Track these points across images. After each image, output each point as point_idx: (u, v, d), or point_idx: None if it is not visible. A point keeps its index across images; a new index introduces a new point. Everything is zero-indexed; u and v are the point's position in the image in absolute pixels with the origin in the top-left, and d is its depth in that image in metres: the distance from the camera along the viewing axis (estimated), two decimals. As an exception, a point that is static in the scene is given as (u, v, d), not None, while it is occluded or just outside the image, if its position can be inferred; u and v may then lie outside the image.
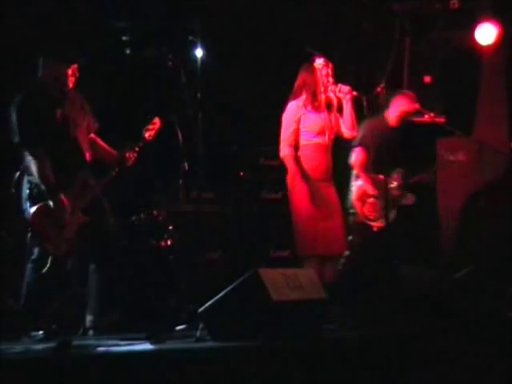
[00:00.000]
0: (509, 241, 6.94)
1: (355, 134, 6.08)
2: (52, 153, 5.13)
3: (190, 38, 6.14)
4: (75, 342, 4.37)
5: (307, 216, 5.75)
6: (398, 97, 6.54)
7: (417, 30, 8.08)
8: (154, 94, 6.93)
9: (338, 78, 5.93)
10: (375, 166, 6.33)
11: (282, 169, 5.98)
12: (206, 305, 4.65)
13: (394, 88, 6.98)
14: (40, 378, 3.73)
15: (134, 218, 5.93)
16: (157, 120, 5.57)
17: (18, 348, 4.45)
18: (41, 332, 5.10)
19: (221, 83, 7.18)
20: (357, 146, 6.35)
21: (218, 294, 4.62)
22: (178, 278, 5.92)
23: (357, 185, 6.40)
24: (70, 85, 5.26)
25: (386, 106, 6.52)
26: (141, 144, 5.49)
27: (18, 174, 5.37)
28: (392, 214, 6.29)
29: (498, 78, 7.95)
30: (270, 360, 4.16)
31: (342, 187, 6.27)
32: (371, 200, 6.34)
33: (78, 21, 6.62)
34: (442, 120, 7.01)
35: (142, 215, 5.93)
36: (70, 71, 5.21)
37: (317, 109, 5.88)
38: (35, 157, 5.09)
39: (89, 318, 5.32)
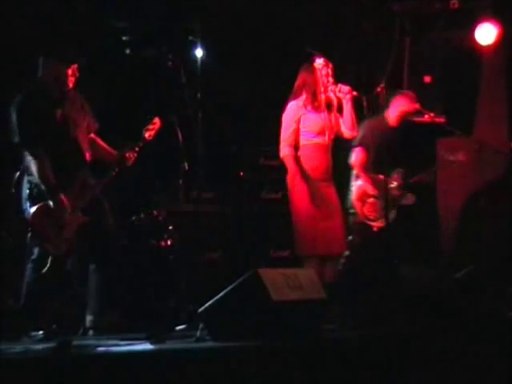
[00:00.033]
0: (509, 241, 6.95)
1: (355, 134, 6.08)
2: (52, 153, 5.13)
3: (190, 38, 6.15)
4: (75, 342, 4.36)
5: (307, 216, 5.75)
6: (398, 97, 6.54)
7: (417, 29, 8.08)
8: (153, 94, 6.93)
9: (338, 78, 5.92)
10: (375, 166, 6.33)
11: (282, 169, 5.98)
12: (206, 305, 4.65)
13: (394, 88, 6.98)
14: (40, 378, 3.72)
15: (133, 217, 5.93)
16: (157, 120, 5.57)
17: (17, 348, 4.44)
18: (41, 332, 5.10)
19: (221, 83, 7.18)
20: (357, 146, 6.36)
21: (218, 294, 4.62)
22: (178, 278, 5.92)
23: (357, 185, 6.40)
24: (70, 85, 5.26)
25: (385, 105, 6.52)
26: (141, 144, 5.49)
27: (18, 173, 5.37)
28: (392, 214, 6.29)
29: (498, 77, 7.95)
30: (269, 360, 4.16)
31: (342, 187, 6.27)
32: (371, 200, 6.34)
33: (77, 21, 6.62)
34: (441, 120, 7.01)
35: (142, 215, 5.93)
36: (70, 71, 5.21)
37: (317, 109, 5.88)
38: (35, 157, 5.09)
39: (89, 318, 5.31)
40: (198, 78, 6.02)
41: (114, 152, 5.48)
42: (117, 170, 5.38)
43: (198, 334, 4.64)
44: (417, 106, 6.47)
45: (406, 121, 6.55)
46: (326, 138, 5.89)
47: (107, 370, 3.86)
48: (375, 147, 6.34)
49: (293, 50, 7.05)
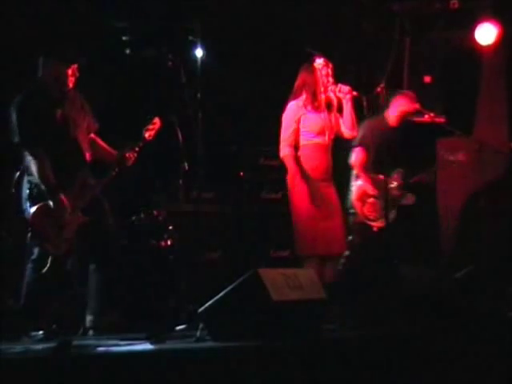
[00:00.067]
0: (509, 241, 6.95)
1: (355, 134, 6.08)
2: (52, 153, 5.13)
3: (190, 38, 6.15)
4: (75, 342, 4.36)
5: (307, 216, 5.75)
6: (398, 97, 6.54)
7: (417, 30, 8.08)
8: (154, 94, 6.93)
9: (338, 78, 5.93)
10: (375, 166, 6.33)
11: (282, 169, 5.98)
12: (206, 305, 4.65)
13: (394, 88, 6.98)
14: (40, 378, 3.72)
15: (134, 217, 5.93)
16: (157, 120, 5.57)
17: (17, 348, 4.44)
18: (41, 332, 5.10)
19: (221, 83, 7.18)
20: (357, 146, 6.36)
21: (218, 294, 4.62)
22: (178, 278, 5.92)
23: (357, 185, 6.40)
24: (70, 85, 5.26)
25: (386, 105, 6.52)
26: (141, 144, 5.49)
27: (18, 173, 5.37)
28: (392, 214, 6.29)
29: (498, 77, 7.95)
30: (269, 360, 4.16)
31: (342, 187, 6.27)
32: (371, 200, 6.34)
33: (77, 21, 6.62)
34: (442, 120, 7.01)
35: (142, 215, 5.93)
36: (70, 71, 5.21)
37: (317, 109, 5.88)
38: (35, 157, 5.09)
39: (89, 318, 5.31)
40: (198, 77, 6.01)
41: (113, 152, 5.48)
42: (117, 169, 5.38)
43: (198, 334, 4.64)
44: (417, 106, 6.47)
45: (406, 121, 6.55)
46: (326, 137, 5.89)
47: (107, 369, 3.86)
48: (375, 147, 6.34)
49: (293, 49, 7.05)
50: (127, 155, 5.41)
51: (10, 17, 6.28)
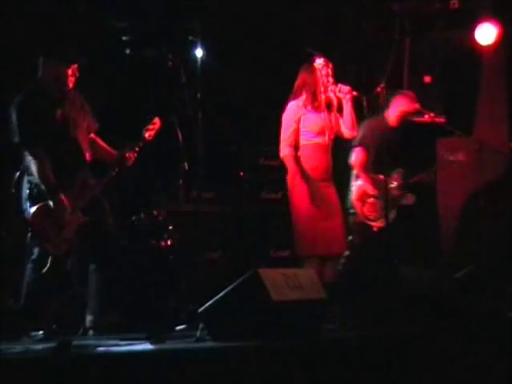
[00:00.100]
0: (509, 241, 6.95)
1: (355, 134, 6.08)
2: (52, 153, 5.13)
3: (190, 38, 6.15)
4: (75, 342, 4.36)
5: (307, 216, 5.75)
6: (398, 97, 6.54)
7: (417, 30, 8.08)
8: (154, 94, 6.93)
9: (338, 78, 5.93)
10: (375, 166, 6.33)
11: (282, 169, 5.98)
12: (206, 305, 4.65)
13: (394, 88, 6.98)
14: (40, 378, 3.72)
15: (134, 217, 5.93)
16: (157, 120, 5.57)
17: (17, 348, 4.44)
18: (41, 332, 5.10)
19: (221, 83, 7.18)
20: (357, 146, 6.36)
21: (218, 294, 4.62)
22: (178, 278, 5.92)
23: (357, 185, 6.40)
24: (70, 85, 5.26)
25: (386, 105, 6.52)
26: (141, 144, 5.49)
27: (18, 173, 5.37)
28: (392, 214, 6.29)
29: (498, 77, 7.95)
30: (269, 360, 4.16)
31: (342, 187, 6.27)
32: (371, 200, 6.34)
33: (77, 21, 6.62)
34: (442, 120, 7.01)
35: (142, 215, 5.93)
36: (70, 71, 5.21)
37: (317, 109, 5.88)
38: (35, 157, 5.09)
39: (89, 318, 5.31)
40: (198, 77, 6.01)
41: (113, 152, 5.48)
42: (117, 169, 5.38)
43: (198, 333, 4.64)
44: (417, 106, 6.47)
45: (406, 121, 6.55)
46: (326, 138, 5.89)
47: (107, 369, 3.86)
48: (375, 147, 6.34)
49: (293, 49, 7.05)
50: (127, 155, 5.41)
51: (10, 17, 6.27)
